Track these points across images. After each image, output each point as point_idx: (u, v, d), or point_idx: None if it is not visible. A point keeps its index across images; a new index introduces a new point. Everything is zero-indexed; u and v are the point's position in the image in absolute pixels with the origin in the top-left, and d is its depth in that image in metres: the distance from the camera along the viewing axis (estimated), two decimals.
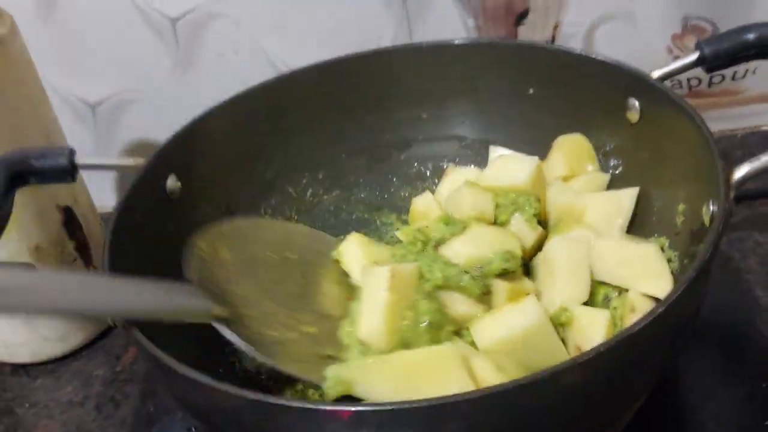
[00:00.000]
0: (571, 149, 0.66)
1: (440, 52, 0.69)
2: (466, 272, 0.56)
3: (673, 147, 0.58)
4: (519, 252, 0.58)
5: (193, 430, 0.59)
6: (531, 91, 0.68)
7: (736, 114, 0.83)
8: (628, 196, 0.61)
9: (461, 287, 0.56)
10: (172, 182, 0.62)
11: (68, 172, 0.58)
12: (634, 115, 0.61)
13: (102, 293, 0.47)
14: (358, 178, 0.74)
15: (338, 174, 0.73)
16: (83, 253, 0.73)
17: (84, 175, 0.75)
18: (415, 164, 0.74)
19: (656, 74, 0.60)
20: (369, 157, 0.74)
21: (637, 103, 0.60)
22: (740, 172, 0.49)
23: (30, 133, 0.67)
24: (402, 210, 0.73)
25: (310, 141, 0.72)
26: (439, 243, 0.60)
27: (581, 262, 0.57)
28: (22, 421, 0.70)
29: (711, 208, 0.50)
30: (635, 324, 0.42)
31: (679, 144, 0.56)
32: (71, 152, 0.59)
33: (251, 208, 0.70)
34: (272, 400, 0.40)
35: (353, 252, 0.63)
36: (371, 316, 0.55)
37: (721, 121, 0.82)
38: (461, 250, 0.59)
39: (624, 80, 0.61)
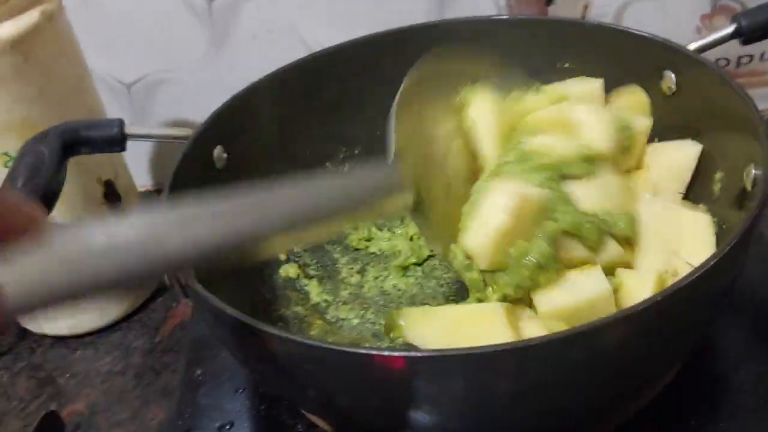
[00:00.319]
0: (629, 104, 0.65)
1: (474, 28, 0.70)
2: (592, 222, 0.54)
3: (710, 117, 0.59)
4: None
5: (241, 391, 0.60)
6: (566, 65, 0.68)
7: (765, 94, 0.84)
8: (693, 154, 0.60)
9: (582, 236, 0.53)
10: (218, 153, 0.64)
11: (118, 141, 0.60)
12: (669, 87, 0.62)
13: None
14: None
15: (375, 150, 0.73)
16: None
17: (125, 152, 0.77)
18: None
19: (692, 47, 0.61)
20: None
21: (672, 76, 0.61)
22: None
23: (75, 108, 0.68)
24: None
25: (346, 117, 0.73)
26: (568, 177, 0.56)
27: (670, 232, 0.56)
28: (64, 390, 0.71)
29: (753, 172, 0.51)
30: (680, 280, 0.43)
31: (717, 113, 0.57)
32: (121, 122, 0.60)
33: None
34: (330, 345, 0.41)
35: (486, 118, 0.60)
36: (480, 233, 0.53)
37: None
38: (591, 197, 0.55)
39: (659, 53, 0.62)
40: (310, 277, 0.67)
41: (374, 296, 0.65)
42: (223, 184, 0.61)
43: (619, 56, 0.65)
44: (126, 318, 0.77)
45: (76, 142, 0.59)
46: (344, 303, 0.64)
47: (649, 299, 0.42)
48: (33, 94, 0.64)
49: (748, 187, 0.51)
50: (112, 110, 0.85)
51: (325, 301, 0.64)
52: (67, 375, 0.73)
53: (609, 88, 0.66)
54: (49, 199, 0.57)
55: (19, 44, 0.62)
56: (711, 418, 0.53)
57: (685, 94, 0.61)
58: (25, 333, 0.77)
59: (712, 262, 0.43)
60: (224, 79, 0.84)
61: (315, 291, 0.65)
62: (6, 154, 0.65)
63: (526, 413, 0.45)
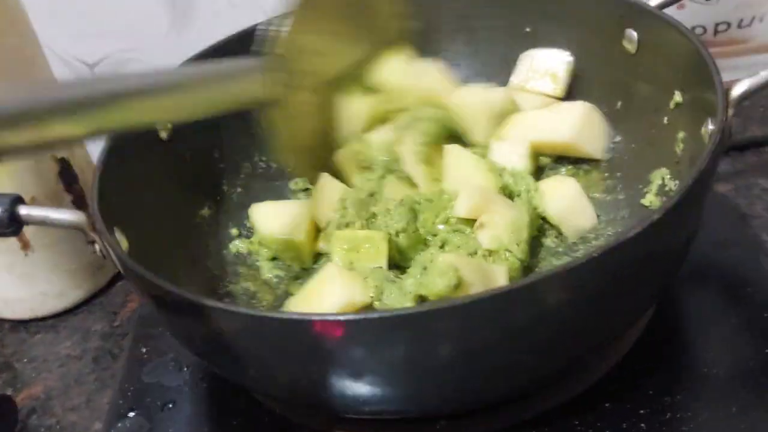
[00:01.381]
0: None
1: None
2: None
3: (671, 74, 0.56)
4: None
5: (185, 369, 0.58)
6: (528, 29, 0.66)
7: (742, 64, 0.82)
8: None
9: None
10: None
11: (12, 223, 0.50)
12: (631, 46, 0.60)
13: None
14: None
15: None
16: (80, 207, 0.73)
17: None
18: None
19: (653, 2, 0.58)
20: None
21: (635, 34, 0.59)
22: (740, 88, 0.48)
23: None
24: None
25: None
26: None
27: None
28: (21, 374, 0.70)
29: (710, 127, 0.49)
30: (631, 228, 0.41)
31: (678, 70, 0.55)
32: (14, 200, 0.51)
33: (242, 157, 0.69)
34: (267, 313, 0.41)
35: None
36: None
37: (726, 72, 0.81)
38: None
39: (621, 11, 0.60)
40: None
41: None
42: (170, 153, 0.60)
43: (580, 17, 0.63)
44: (86, 302, 0.75)
45: None
46: (295, 278, 0.62)
47: (588, 255, 0.40)
48: None
49: (707, 141, 0.49)
50: None
51: (277, 276, 0.62)
52: (25, 360, 0.71)
53: (573, 51, 0.65)
54: None
55: None
56: (670, 387, 0.51)
57: (647, 52, 0.59)
58: None
59: (655, 217, 0.40)
60: (189, 57, 0.83)
61: (266, 267, 0.63)
62: None
63: (466, 377, 0.43)
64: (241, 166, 0.69)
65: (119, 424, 0.55)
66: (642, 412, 0.49)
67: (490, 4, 0.67)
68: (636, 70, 0.60)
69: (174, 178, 0.62)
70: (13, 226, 0.47)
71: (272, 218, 0.63)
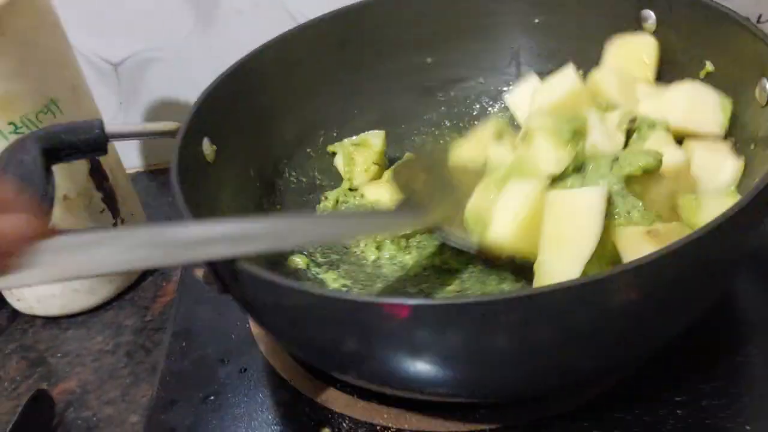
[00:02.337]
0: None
1: None
2: None
3: (699, 46, 0.59)
4: None
5: (226, 362, 0.59)
6: (537, 21, 0.68)
7: None
8: None
9: None
10: (206, 146, 0.60)
11: (101, 144, 0.56)
12: (650, 26, 0.61)
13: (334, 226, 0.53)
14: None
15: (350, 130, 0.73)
16: (110, 205, 0.74)
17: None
18: (426, 116, 0.74)
19: None
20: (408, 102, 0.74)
21: (652, 14, 0.61)
22: None
23: (57, 84, 0.67)
24: None
25: (325, 97, 0.71)
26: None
27: None
28: (56, 369, 0.71)
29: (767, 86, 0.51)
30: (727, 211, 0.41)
31: (707, 42, 0.57)
32: (101, 123, 0.56)
33: (274, 173, 0.69)
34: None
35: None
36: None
37: None
38: None
39: None
40: (319, 265, 0.64)
41: (393, 273, 0.63)
42: (216, 175, 0.60)
43: (594, 3, 0.64)
44: (117, 297, 0.76)
45: (57, 148, 0.55)
46: (363, 287, 0.62)
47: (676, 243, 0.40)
48: (11, 69, 0.63)
49: (763, 102, 0.51)
50: (100, 92, 0.85)
51: (345, 286, 0.62)
52: (59, 355, 0.72)
53: (589, 38, 0.66)
54: (45, 210, 0.53)
55: None
56: (708, 374, 0.51)
57: (667, 30, 0.61)
58: (16, 314, 0.77)
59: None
60: (213, 55, 0.83)
61: (331, 277, 0.63)
62: None
63: (533, 368, 0.44)
64: (275, 183, 0.69)
65: (162, 416, 0.56)
66: (678, 399, 0.50)
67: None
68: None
69: (220, 198, 0.61)
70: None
71: None
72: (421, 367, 0.43)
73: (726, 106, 0.58)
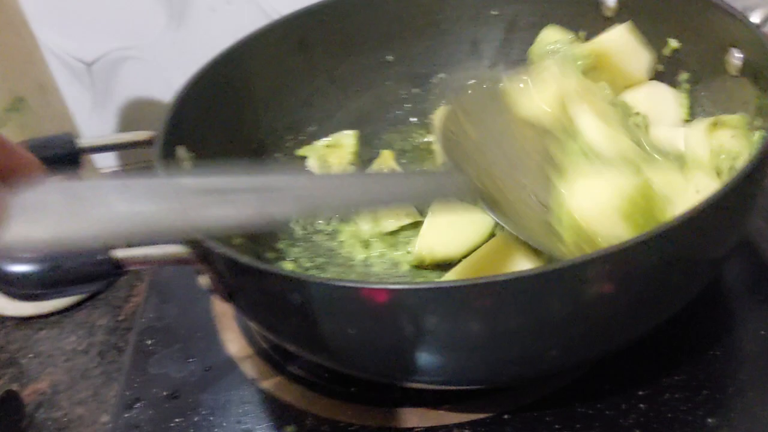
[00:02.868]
0: None
1: None
2: None
3: (663, 26, 0.60)
4: None
5: (191, 360, 0.59)
6: (494, 12, 0.68)
7: None
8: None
9: None
10: (183, 153, 0.58)
11: (74, 158, 0.54)
12: (611, 11, 0.63)
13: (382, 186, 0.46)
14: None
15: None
16: None
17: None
18: (390, 114, 0.74)
19: None
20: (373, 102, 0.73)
21: None
22: (757, 15, 0.52)
23: (24, 83, 0.67)
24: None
25: (289, 101, 0.70)
26: None
27: None
28: (27, 370, 0.70)
29: (736, 56, 0.53)
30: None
31: (670, 19, 0.59)
32: (71, 137, 0.55)
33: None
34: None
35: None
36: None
37: None
38: None
39: None
40: (307, 269, 0.63)
41: (384, 271, 0.62)
42: None
43: None
44: (90, 297, 0.76)
45: None
46: None
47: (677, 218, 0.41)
48: None
49: (732, 72, 0.54)
50: (73, 91, 0.85)
51: None
52: (30, 355, 0.72)
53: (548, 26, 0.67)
54: None
55: None
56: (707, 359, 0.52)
57: (630, 13, 0.63)
58: None
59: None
60: (186, 54, 0.83)
61: None
62: None
63: (502, 355, 0.45)
64: None
65: (126, 415, 0.56)
66: (640, 393, 0.50)
67: None
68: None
69: None
70: (119, 274, 0.45)
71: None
72: (396, 350, 0.44)
73: (683, 101, 0.60)
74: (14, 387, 0.68)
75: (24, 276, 0.42)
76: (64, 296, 0.46)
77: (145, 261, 0.44)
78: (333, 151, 0.71)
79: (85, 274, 0.42)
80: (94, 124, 0.88)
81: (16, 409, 0.64)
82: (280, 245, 0.64)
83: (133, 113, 0.89)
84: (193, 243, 0.45)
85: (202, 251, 0.45)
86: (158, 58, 0.85)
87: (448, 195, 0.51)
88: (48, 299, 0.49)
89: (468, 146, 0.54)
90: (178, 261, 0.45)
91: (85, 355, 0.71)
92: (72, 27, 0.84)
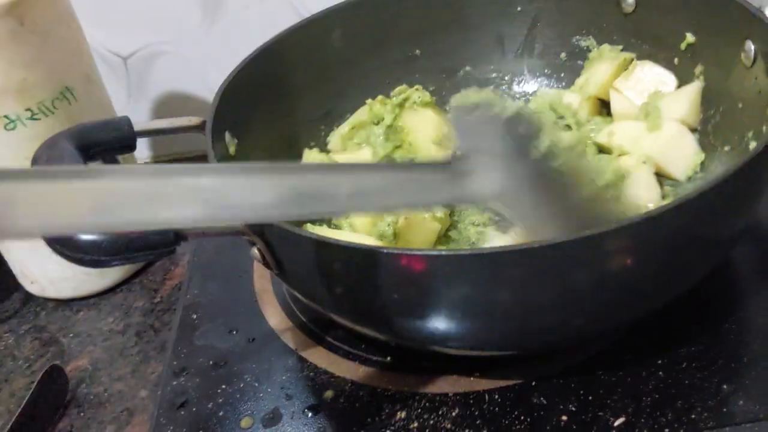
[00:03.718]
0: None
1: None
2: None
3: (680, 21, 0.63)
4: None
5: (234, 332, 0.62)
6: (519, 9, 0.72)
7: None
8: None
9: None
10: (228, 139, 0.61)
11: (130, 141, 0.57)
12: (629, 7, 0.67)
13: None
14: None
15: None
16: None
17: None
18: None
19: None
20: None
21: None
22: None
23: (72, 73, 0.70)
24: None
25: (322, 93, 0.73)
26: None
27: None
28: (68, 349, 0.73)
29: (752, 47, 0.56)
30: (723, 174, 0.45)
31: (687, 14, 0.62)
32: (129, 121, 0.57)
33: None
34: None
35: None
36: None
37: None
38: None
39: None
40: None
41: None
42: None
43: None
44: (126, 281, 0.79)
45: (89, 145, 0.55)
46: None
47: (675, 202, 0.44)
48: (29, 58, 0.66)
49: (748, 64, 0.56)
50: (109, 84, 0.88)
51: None
52: (71, 335, 0.75)
53: (569, 22, 0.71)
54: None
55: (15, 8, 0.64)
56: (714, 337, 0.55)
57: (647, 8, 0.66)
58: (29, 297, 0.80)
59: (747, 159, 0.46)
60: (219, 49, 0.87)
61: None
62: (6, 117, 0.67)
63: (532, 322, 0.48)
64: None
65: (174, 383, 0.59)
66: (659, 362, 0.54)
67: None
68: (638, 27, 0.67)
69: None
70: (177, 242, 0.47)
71: None
72: (433, 314, 0.47)
73: (698, 158, 0.64)
74: (56, 363, 0.71)
75: (93, 243, 0.45)
76: (129, 263, 0.48)
77: (205, 232, 0.47)
78: (356, 133, 0.74)
79: (149, 243, 0.46)
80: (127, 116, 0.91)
81: (62, 382, 0.67)
82: None
83: (166, 106, 0.92)
84: None
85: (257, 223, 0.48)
86: (192, 53, 0.89)
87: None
88: (113, 266, 0.52)
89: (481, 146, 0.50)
90: (234, 232, 0.48)
91: (123, 336, 0.73)
92: (110, 21, 0.87)
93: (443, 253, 0.46)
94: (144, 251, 0.46)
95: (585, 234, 0.43)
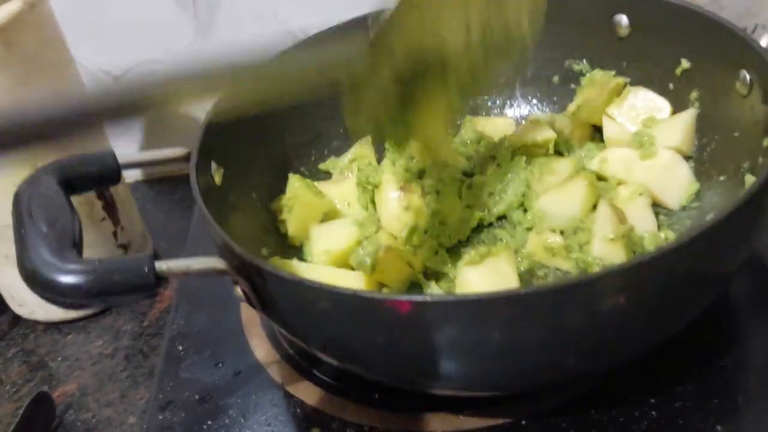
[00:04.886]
0: None
1: None
2: None
3: (674, 46, 0.63)
4: None
5: (221, 365, 0.61)
6: None
7: None
8: None
9: None
10: (214, 168, 0.61)
11: (114, 174, 0.56)
12: (624, 31, 0.66)
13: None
14: None
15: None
16: (110, 213, 0.76)
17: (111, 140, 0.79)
18: None
19: None
20: None
21: (624, 18, 0.65)
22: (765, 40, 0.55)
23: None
24: None
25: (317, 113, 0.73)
26: None
27: None
28: (56, 373, 0.73)
29: (747, 76, 0.56)
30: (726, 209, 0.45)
31: (682, 41, 0.62)
32: (113, 154, 0.57)
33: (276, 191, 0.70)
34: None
35: None
36: None
37: None
38: None
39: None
40: None
41: None
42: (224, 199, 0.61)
43: (565, 13, 0.67)
44: None
45: (72, 180, 0.54)
46: None
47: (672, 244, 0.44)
48: (16, 83, 0.66)
49: (743, 92, 0.56)
50: None
51: None
52: (59, 358, 0.74)
53: (562, 45, 0.71)
54: (78, 243, 0.50)
55: (1, 33, 0.63)
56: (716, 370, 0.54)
57: (641, 32, 0.66)
58: (17, 319, 0.79)
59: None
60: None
61: None
62: None
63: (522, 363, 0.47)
64: None
65: (160, 417, 0.58)
66: (652, 401, 0.53)
67: None
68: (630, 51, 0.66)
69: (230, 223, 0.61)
70: (160, 285, 0.46)
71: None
72: (420, 357, 0.46)
73: (693, 187, 0.63)
74: (44, 389, 0.70)
75: (74, 287, 0.44)
76: (110, 305, 0.48)
77: (186, 273, 0.46)
78: (354, 166, 0.73)
79: (129, 286, 0.45)
80: (119, 136, 0.90)
81: (49, 409, 0.66)
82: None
83: (158, 126, 0.91)
84: (230, 256, 0.47)
85: (239, 263, 0.47)
86: None
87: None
88: (94, 308, 0.52)
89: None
90: (216, 273, 0.47)
91: (112, 359, 0.73)
92: (100, 41, 0.86)
93: (430, 298, 0.45)
94: (124, 294, 0.45)
95: (579, 278, 0.42)
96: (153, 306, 0.77)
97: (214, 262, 0.47)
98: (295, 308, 0.48)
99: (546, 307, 0.43)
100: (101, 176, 0.55)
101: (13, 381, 0.73)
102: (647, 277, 0.44)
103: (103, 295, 0.44)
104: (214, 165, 0.60)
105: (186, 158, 0.56)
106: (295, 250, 0.67)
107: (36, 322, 0.78)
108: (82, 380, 0.71)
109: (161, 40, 0.86)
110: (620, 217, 0.58)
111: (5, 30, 0.64)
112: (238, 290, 0.49)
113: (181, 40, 0.86)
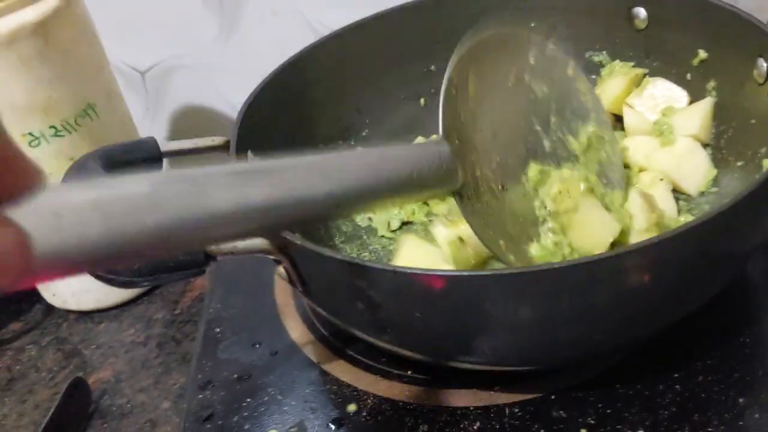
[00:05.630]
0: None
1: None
2: None
3: (692, 37, 0.65)
4: None
5: (257, 346, 0.63)
6: (532, 24, 0.72)
7: None
8: None
9: None
10: (251, 158, 0.60)
11: (156, 162, 0.57)
12: (641, 23, 0.68)
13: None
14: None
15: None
16: None
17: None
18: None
19: None
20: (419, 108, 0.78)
21: (642, 10, 0.67)
22: None
23: (94, 90, 0.72)
24: None
25: (334, 113, 0.74)
26: None
27: None
28: (90, 360, 0.75)
29: (764, 64, 0.57)
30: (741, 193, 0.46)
31: (699, 31, 0.63)
32: (155, 142, 0.58)
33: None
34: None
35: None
36: None
37: None
38: None
39: None
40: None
41: None
42: None
43: (584, 6, 0.70)
44: (147, 292, 0.80)
45: (116, 167, 0.55)
46: None
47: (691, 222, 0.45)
48: (54, 76, 0.68)
49: (760, 80, 0.58)
50: (127, 98, 0.89)
51: None
52: (93, 346, 0.76)
53: (581, 38, 0.72)
54: None
55: (40, 27, 0.66)
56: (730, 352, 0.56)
57: (657, 25, 0.68)
58: (51, 309, 0.81)
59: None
60: (236, 63, 0.88)
61: None
62: (31, 134, 0.69)
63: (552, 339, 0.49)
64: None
65: (199, 396, 0.60)
66: (676, 375, 0.55)
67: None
68: (648, 43, 0.68)
69: None
70: (207, 263, 0.47)
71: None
72: (453, 332, 0.48)
73: (711, 173, 0.65)
74: (80, 375, 0.72)
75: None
76: (160, 283, 0.50)
77: (233, 252, 0.48)
78: None
79: (180, 263, 0.47)
80: (145, 129, 0.93)
81: (85, 395, 0.68)
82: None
83: (183, 120, 0.94)
84: (275, 236, 0.49)
85: (282, 243, 0.49)
86: (208, 67, 0.90)
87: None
88: (144, 286, 0.53)
89: (464, 104, 0.51)
90: (260, 251, 0.49)
91: (144, 347, 0.75)
92: (127, 37, 0.89)
93: (464, 273, 0.47)
94: (175, 271, 0.47)
95: (606, 254, 0.44)
96: (184, 294, 0.79)
97: (260, 242, 0.49)
98: (335, 287, 0.50)
99: (579, 280, 0.45)
100: (143, 163, 0.57)
101: (48, 368, 0.75)
102: (671, 252, 0.46)
103: (156, 272, 0.46)
104: (250, 154, 0.62)
105: (225, 147, 0.58)
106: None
107: (68, 312, 0.80)
108: (116, 367, 0.73)
109: (186, 38, 0.89)
110: (651, 204, 0.60)
111: (45, 24, 0.66)
112: (281, 269, 0.51)
113: (206, 37, 0.89)
